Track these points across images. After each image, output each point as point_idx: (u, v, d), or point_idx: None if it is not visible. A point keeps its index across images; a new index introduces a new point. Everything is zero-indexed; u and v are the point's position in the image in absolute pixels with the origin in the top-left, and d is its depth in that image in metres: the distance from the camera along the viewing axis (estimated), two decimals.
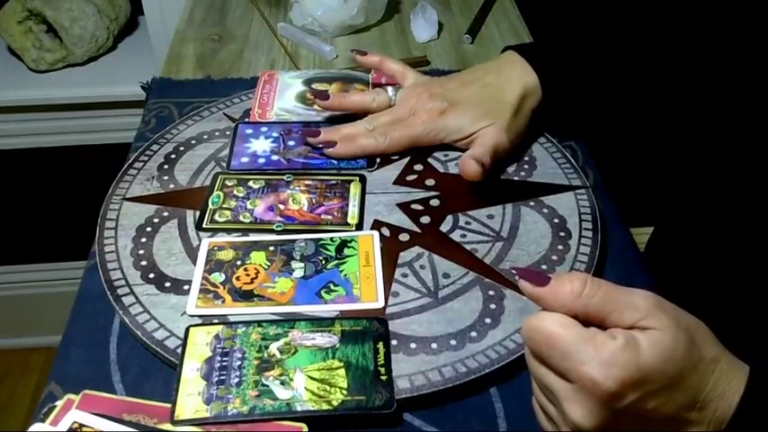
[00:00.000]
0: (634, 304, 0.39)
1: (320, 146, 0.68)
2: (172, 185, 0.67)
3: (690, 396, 0.38)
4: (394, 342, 0.52)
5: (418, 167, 0.69)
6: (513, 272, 0.42)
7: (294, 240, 0.60)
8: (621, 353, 0.37)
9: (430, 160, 0.70)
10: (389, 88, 0.71)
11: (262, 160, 0.69)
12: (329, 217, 0.63)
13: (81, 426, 0.46)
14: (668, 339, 0.38)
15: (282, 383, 0.49)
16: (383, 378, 0.49)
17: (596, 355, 0.37)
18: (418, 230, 0.62)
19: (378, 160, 0.69)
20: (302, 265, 0.58)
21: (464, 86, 0.68)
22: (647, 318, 0.38)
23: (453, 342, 0.52)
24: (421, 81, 0.71)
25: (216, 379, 0.49)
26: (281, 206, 0.64)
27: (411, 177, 0.68)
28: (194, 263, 0.58)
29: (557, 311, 0.40)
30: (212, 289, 0.56)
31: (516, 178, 0.68)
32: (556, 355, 0.39)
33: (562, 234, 0.62)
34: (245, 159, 0.69)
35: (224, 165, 0.69)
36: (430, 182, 0.67)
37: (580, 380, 0.37)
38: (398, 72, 0.72)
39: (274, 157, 0.70)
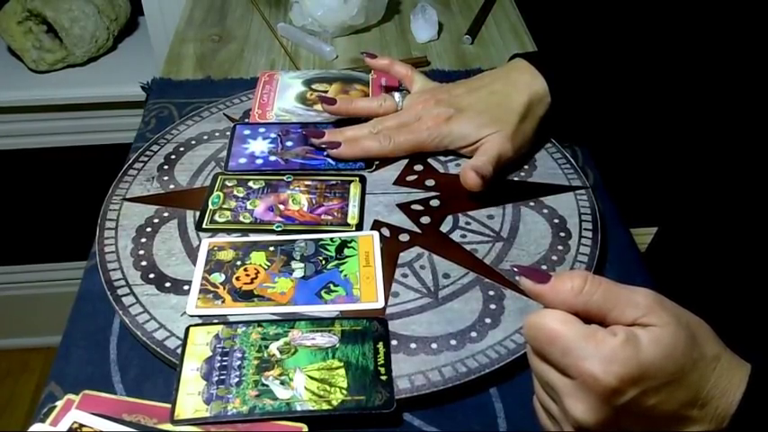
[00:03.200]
0: (635, 301, 0.39)
1: (324, 147, 0.68)
2: (172, 186, 0.67)
3: (691, 393, 0.39)
4: (394, 342, 0.52)
5: (418, 168, 0.69)
6: (515, 269, 0.42)
7: (294, 241, 0.60)
8: (622, 349, 0.37)
9: (430, 160, 0.70)
10: (396, 94, 0.71)
11: (259, 161, 0.69)
12: (329, 217, 0.63)
13: (81, 426, 0.46)
14: (669, 336, 0.38)
15: (282, 383, 0.49)
16: (383, 378, 0.49)
17: (597, 351, 0.37)
18: (418, 231, 0.62)
19: (376, 162, 0.69)
20: (302, 265, 0.58)
21: (471, 93, 0.68)
22: (648, 315, 0.38)
23: (453, 342, 0.52)
24: (429, 87, 0.71)
25: (216, 379, 0.49)
26: (281, 206, 0.64)
27: (411, 178, 0.68)
28: (194, 263, 0.58)
29: (557, 309, 0.40)
30: (212, 289, 0.56)
31: (516, 178, 0.68)
32: (557, 352, 0.39)
33: (562, 234, 0.62)
34: (242, 160, 0.69)
35: (224, 165, 0.69)
36: (430, 182, 0.67)
37: (581, 376, 0.38)
38: (407, 76, 0.72)
39: (272, 158, 0.70)
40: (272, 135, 0.73)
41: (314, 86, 0.81)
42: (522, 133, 0.66)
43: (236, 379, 0.49)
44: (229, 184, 0.66)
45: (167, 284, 0.57)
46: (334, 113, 0.72)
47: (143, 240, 0.61)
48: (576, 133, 0.73)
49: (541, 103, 0.67)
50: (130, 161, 0.69)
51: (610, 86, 0.68)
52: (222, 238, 0.61)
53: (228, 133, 0.73)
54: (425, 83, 0.71)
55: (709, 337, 0.40)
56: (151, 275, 0.57)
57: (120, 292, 0.56)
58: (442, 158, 0.70)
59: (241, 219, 0.63)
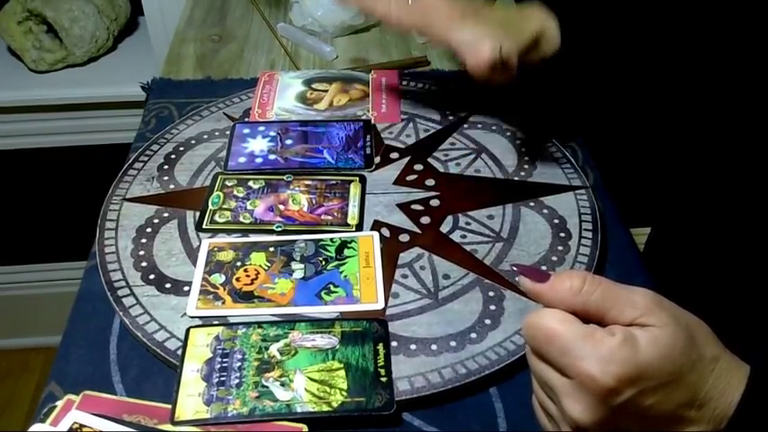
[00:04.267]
0: (633, 301, 0.39)
1: None
2: (172, 186, 0.67)
3: (689, 394, 0.39)
4: (394, 343, 0.52)
5: (418, 167, 0.69)
6: (514, 269, 0.42)
7: (294, 241, 0.60)
8: (619, 349, 0.37)
9: (430, 160, 0.70)
10: None
11: (259, 160, 0.69)
12: (329, 217, 0.63)
13: (81, 426, 0.46)
14: (667, 336, 0.38)
15: (282, 385, 0.49)
16: (383, 379, 0.49)
17: (595, 351, 0.37)
18: (418, 231, 0.62)
19: (377, 160, 0.69)
20: (302, 266, 0.58)
21: (489, 8, 0.66)
22: (647, 315, 0.38)
23: (453, 343, 0.52)
24: None
25: (216, 380, 0.49)
26: (281, 207, 0.64)
27: (411, 177, 0.68)
28: (194, 264, 0.58)
29: (556, 308, 0.40)
30: (212, 290, 0.56)
31: (516, 178, 0.68)
32: (555, 351, 0.39)
33: (562, 234, 0.62)
34: (242, 159, 0.69)
35: (223, 165, 0.69)
36: (430, 182, 0.67)
37: (578, 376, 0.37)
38: None
39: (272, 157, 0.70)
40: (272, 133, 0.73)
41: (314, 86, 0.81)
42: (526, 58, 0.64)
43: (237, 380, 0.49)
44: (229, 184, 0.66)
45: (167, 285, 0.57)
46: None
47: (143, 241, 0.61)
48: (573, 130, 0.73)
49: (550, 41, 0.65)
50: (130, 161, 0.69)
51: (615, 47, 0.67)
52: (222, 239, 0.61)
53: (228, 132, 0.73)
54: None
55: (709, 338, 0.40)
56: (151, 276, 0.57)
57: (120, 292, 0.56)
58: (441, 158, 0.70)
59: (241, 219, 0.63)
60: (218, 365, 0.50)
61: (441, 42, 0.65)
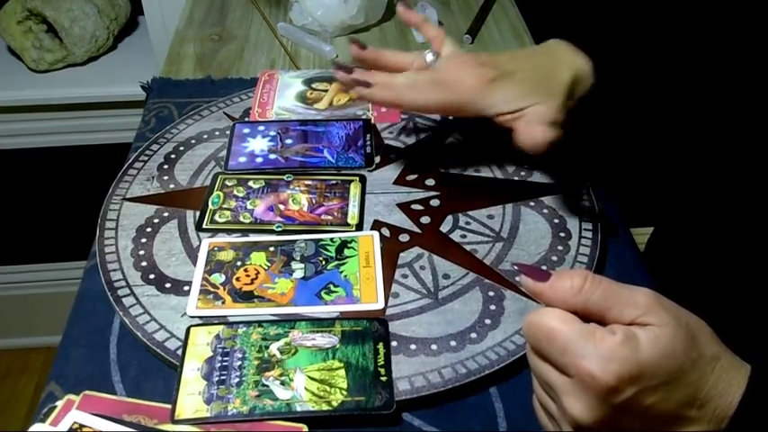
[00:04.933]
0: (634, 301, 0.39)
1: (353, 84, 0.62)
2: (172, 185, 0.67)
3: (689, 393, 0.39)
4: (394, 343, 0.52)
5: (418, 167, 0.69)
6: (515, 267, 0.42)
7: (294, 241, 0.60)
8: (620, 348, 0.37)
9: (430, 160, 0.70)
10: (428, 53, 0.64)
11: (259, 159, 0.69)
12: (329, 217, 0.63)
13: (81, 426, 0.46)
14: (667, 336, 0.38)
15: (282, 384, 0.49)
16: (383, 379, 0.49)
17: (595, 349, 0.37)
18: (418, 231, 0.62)
19: (377, 160, 0.69)
20: (302, 265, 0.58)
21: (515, 60, 0.63)
22: (647, 314, 0.38)
23: (453, 343, 0.52)
24: (461, 52, 0.64)
25: (216, 379, 0.49)
26: (281, 206, 0.64)
27: (411, 177, 0.68)
28: (194, 263, 0.58)
29: (557, 307, 0.40)
30: (212, 290, 0.56)
31: (516, 178, 0.68)
32: (555, 350, 0.39)
33: (562, 234, 0.62)
34: (242, 159, 0.69)
35: (224, 164, 0.69)
36: (430, 182, 0.67)
37: (579, 374, 0.38)
38: (437, 37, 0.65)
39: (272, 156, 0.70)
40: (272, 133, 0.73)
41: (314, 86, 0.81)
42: (566, 109, 0.61)
43: (237, 379, 0.49)
44: (229, 184, 0.66)
45: (167, 285, 0.57)
46: (361, 59, 0.65)
47: (143, 240, 0.61)
48: (601, 128, 0.71)
49: (583, 82, 0.62)
50: (130, 161, 0.69)
51: (642, 78, 0.66)
52: (222, 239, 0.61)
53: (228, 132, 0.73)
54: (457, 47, 0.65)
55: (709, 337, 0.40)
56: (151, 276, 0.57)
57: (120, 292, 0.56)
58: (442, 158, 0.70)
59: (241, 219, 0.63)
60: (219, 364, 0.50)
61: (472, 115, 0.61)
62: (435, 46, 0.65)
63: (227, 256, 0.59)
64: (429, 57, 0.63)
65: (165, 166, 0.69)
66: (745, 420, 0.39)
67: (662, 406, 0.38)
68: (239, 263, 0.58)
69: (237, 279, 0.57)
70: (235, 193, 0.65)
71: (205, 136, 0.73)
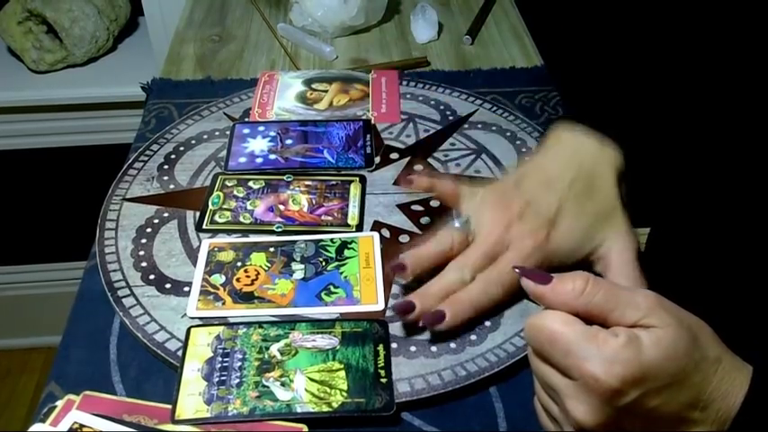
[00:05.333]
0: (636, 303, 0.39)
1: (425, 323, 0.52)
2: (172, 186, 0.67)
3: (692, 395, 0.39)
4: (394, 345, 0.52)
5: (418, 167, 0.69)
6: (516, 270, 0.42)
7: (294, 242, 0.60)
8: (623, 350, 0.37)
9: (430, 160, 0.70)
10: (455, 223, 0.56)
11: (259, 160, 0.69)
12: (329, 218, 0.63)
13: (81, 426, 0.46)
14: (670, 337, 0.38)
15: (283, 385, 0.49)
16: (383, 380, 0.49)
17: (598, 352, 0.37)
18: (418, 231, 0.62)
19: (377, 160, 0.69)
20: (302, 266, 0.58)
21: (548, 189, 0.54)
22: (649, 316, 0.38)
23: (453, 345, 0.52)
24: (482, 194, 0.56)
25: (216, 379, 0.49)
26: (282, 207, 0.64)
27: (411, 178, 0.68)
28: (194, 264, 0.58)
29: (559, 310, 0.40)
30: (213, 291, 0.56)
31: None
32: (558, 353, 0.39)
33: None
34: (242, 159, 0.69)
35: (224, 165, 0.69)
36: None
37: (582, 377, 0.37)
38: (452, 194, 0.58)
39: (272, 156, 0.70)
40: (272, 133, 0.73)
41: (314, 86, 0.81)
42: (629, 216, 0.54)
43: (237, 380, 0.49)
44: (229, 184, 0.66)
45: (167, 286, 0.57)
46: (408, 277, 0.55)
47: (143, 241, 0.61)
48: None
49: (621, 170, 0.56)
50: (130, 161, 0.69)
51: (642, 80, 0.62)
52: (222, 239, 0.61)
53: (228, 132, 0.73)
54: (473, 192, 0.57)
55: (711, 339, 0.40)
56: (151, 276, 0.57)
57: (120, 293, 0.56)
58: (441, 158, 0.70)
59: (241, 219, 0.63)
60: (219, 365, 0.50)
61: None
62: (451, 202, 0.58)
63: (227, 256, 0.59)
64: (457, 224, 0.56)
65: (165, 167, 0.69)
66: (748, 421, 0.39)
67: (665, 408, 0.38)
68: (239, 263, 0.58)
69: (238, 280, 0.57)
70: (235, 193, 0.65)
71: (205, 136, 0.73)
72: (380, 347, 0.51)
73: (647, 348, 0.37)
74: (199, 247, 0.60)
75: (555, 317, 0.39)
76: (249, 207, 0.64)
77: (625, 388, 0.37)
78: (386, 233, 0.62)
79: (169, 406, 0.48)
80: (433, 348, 0.52)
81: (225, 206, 0.64)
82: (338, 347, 0.51)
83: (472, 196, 0.57)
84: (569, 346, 0.38)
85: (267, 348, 0.51)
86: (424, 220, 0.63)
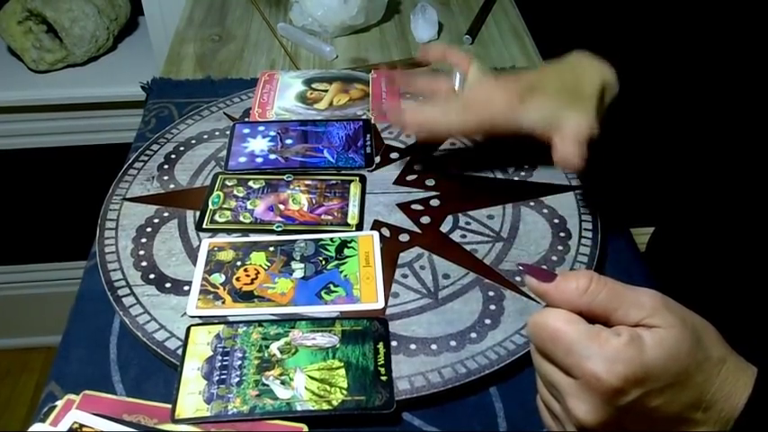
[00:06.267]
0: (640, 302, 0.39)
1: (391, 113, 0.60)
2: (172, 185, 0.67)
3: (695, 395, 0.38)
4: (394, 343, 0.52)
5: (418, 167, 0.69)
6: (520, 267, 0.42)
7: (294, 241, 0.60)
8: (625, 349, 0.37)
9: (430, 160, 0.70)
10: (456, 76, 0.65)
11: (260, 159, 0.69)
12: (329, 217, 0.63)
13: (81, 426, 0.46)
14: (673, 338, 0.38)
15: (283, 383, 0.49)
16: (383, 378, 0.49)
17: (600, 351, 0.37)
18: (418, 231, 0.62)
19: (377, 160, 0.69)
20: (302, 265, 0.58)
21: (542, 75, 0.63)
22: (653, 316, 0.38)
23: (453, 343, 0.52)
24: (488, 73, 0.65)
25: (217, 378, 0.49)
26: (281, 206, 0.64)
27: (411, 177, 0.68)
28: (194, 263, 0.58)
29: (562, 308, 0.40)
30: (212, 290, 0.56)
31: (516, 178, 0.68)
32: (560, 351, 0.39)
33: (562, 234, 0.62)
34: (242, 159, 0.69)
35: (224, 164, 0.69)
36: (430, 182, 0.67)
37: (584, 375, 0.37)
38: (463, 61, 0.66)
39: (272, 156, 0.70)
40: (272, 133, 0.73)
41: (314, 86, 0.81)
42: (599, 120, 0.60)
43: (237, 378, 0.49)
44: (229, 184, 0.66)
45: (167, 285, 0.57)
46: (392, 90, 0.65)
47: (143, 240, 0.61)
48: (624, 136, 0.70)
49: (610, 91, 0.62)
50: (130, 161, 0.69)
51: (651, 80, 0.66)
52: (222, 239, 0.61)
53: (228, 132, 0.73)
54: (484, 70, 0.65)
55: (715, 339, 0.40)
56: (151, 276, 0.57)
57: (120, 292, 0.56)
58: (442, 158, 0.70)
59: (241, 219, 0.63)
60: (219, 364, 0.50)
61: (507, 132, 0.61)
62: (463, 69, 0.65)
63: (227, 256, 0.59)
64: (457, 79, 0.63)
65: (166, 166, 0.69)
66: (751, 422, 0.39)
67: (667, 408, 0.38)
68: (239, 263, 0.58)
69: (237, 279, 0.57)
70: (235, 193, 0.65)
71: (205, 136, 0.73)
72: (380, 345, 0.51)
73: (650, 348, 0.37)
74: (199, 246, 0.60)
75: (558, 315, 0.39)
76: (249, 206, 0.64)
77: (626, 387, 0.37)
78: (386, 232, 0.62)
79: (169, 406, 0.48)
80: (434, 346, 0.52)
81: (225, 206, 0.64)
82: (338, 345, 0.51)
83: (479, 69, 0.64)
84: (571, 345, 0.38)
85: (267, 347, 0.51)
86: (424, 219, 0.63)
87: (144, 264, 0.59)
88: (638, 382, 0.37)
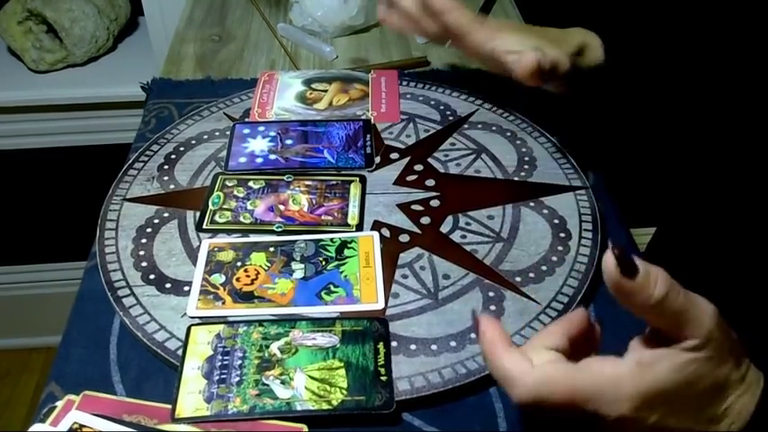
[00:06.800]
0: (701, 322, 0.37)
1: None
2: (172, 186, 0.67)
3: (706, 416, 0.39)
4: (394, 343, 0.52)
5: (418, 167, 0.69)
6: (613, 248, 0.37)
7: (294, 241, 0.60)
8: (635, 379, 0.37)
9: (430, 160, 0.70)
10: None
11: (260, 160, 0.69)
12: (329, 218, 0.63)
13: (81, 426, 0.46)
14: (706, 370, 0.38)
15: (283, 383, 0.49)
16: (383, 378, 0.49)
17: (616, 392, 0.37)
18: (418, 231, 0.62)
19: (377, 160, 0.69)
20: (302, 266, 0.58)
21: (525, 26, 0.68)
22: (706, 347, 0.37)
23: (453, 343, 0.52)
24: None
25: (217, 378, 0.49)
26: (282, 207, 0.64)
27: (411, 178, 0.68)
28: (194, 264, 0.58)
29: (633, 308, 0.37)
30: (212, 290, 0.56)
31: (516, 178, 0.68)
32: (581, 406, 0.38)
33: (562, 235, 0.62)
34: (242, 159, 0.69)
35: (224, 165, 0.69)
36: (430, 182, 0.67)
37: (615, 420, 0.37)
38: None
39: (272, 157, 0.70)
40: (272, 133, 0.73)
41: (314, 86, 0.81)
42: (571, 62, 0.63)
43: (237, 378, 0.49)
44: (229, 184, 0.66)
45: (168, 285, 0.57)
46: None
47: (143, 241, 0.61)
48: (574, 129, 0.72)
49: (594, 52, 0.65)
50: (130, 161, 0.69)
51: (645, 72, 0.67)
52: (222, 239, 0.61)
53: (228, 132, 0.73)
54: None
55: (743, 359, 0.39)
56: (151, 276, 0.58)
57: (120, 292, 0.56)
58: (441, 158, 0.70)
59: (241, 219, 0.63)
60: (219, 363, 0.50)
61: (478, 52, 0.64)
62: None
63: (227, 256, 0.59)
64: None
65: (166, 167, 0.69)
66: (757, 428, 0.39)
67: (674, 425, 0.38)
68: (239, 263, 0.58)
69: (237, 279, 0.57)
70: (235, 193, 0.65)
71: (205, 136, 0.73)
72: (380, 345, 0.51)
73: (664, 374, 0.37)
74: (199, 246, 0.60)
75: (562, 371, 0.39)
76: (249, 207, 0.64)
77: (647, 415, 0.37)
78: (386, 233, 0.62)
79: (169, 406, 0.48)
80: (434, 346, 0.52)
81: (225, 206, 0.64)
82: (338, 346, 0.51)
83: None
84: (588, 398, 0.38)
85: (267, 347, 0.51)
86: (424, 219, 0.63)
87: (144, 264, 0.59)
88: (651, 406, 0.37)
